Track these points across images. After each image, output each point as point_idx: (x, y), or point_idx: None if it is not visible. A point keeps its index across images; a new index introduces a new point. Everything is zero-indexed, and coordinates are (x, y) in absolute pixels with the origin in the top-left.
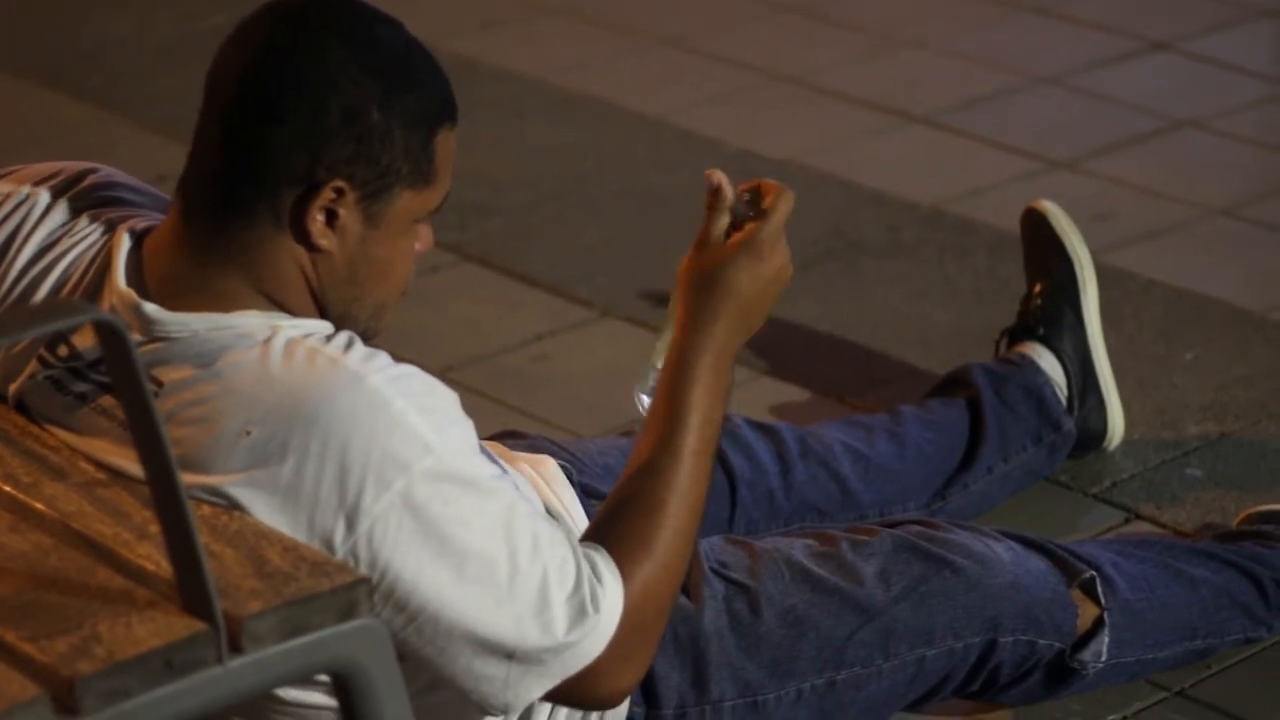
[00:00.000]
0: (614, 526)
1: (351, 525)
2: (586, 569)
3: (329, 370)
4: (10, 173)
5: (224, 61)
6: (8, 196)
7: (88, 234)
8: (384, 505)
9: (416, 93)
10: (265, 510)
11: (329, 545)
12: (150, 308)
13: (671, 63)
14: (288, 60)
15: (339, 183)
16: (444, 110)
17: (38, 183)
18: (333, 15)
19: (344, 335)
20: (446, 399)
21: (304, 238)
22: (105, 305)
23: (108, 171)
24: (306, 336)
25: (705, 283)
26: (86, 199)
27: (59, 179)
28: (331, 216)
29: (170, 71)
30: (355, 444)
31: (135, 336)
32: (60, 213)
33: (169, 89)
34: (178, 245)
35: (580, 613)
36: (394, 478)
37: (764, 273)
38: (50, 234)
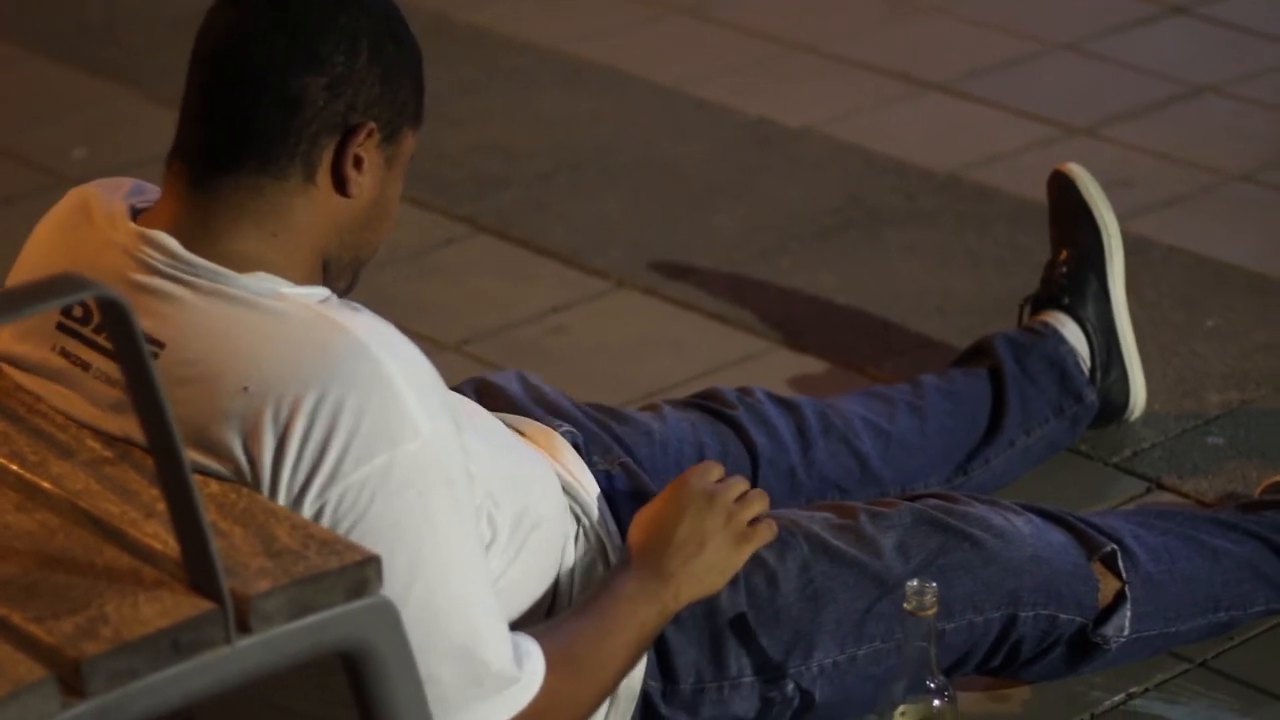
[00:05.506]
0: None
1: (325, 487)
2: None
3: (334, 335)
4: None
5: (223, 25)
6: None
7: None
8: (360, 476)
9: (408, 30)
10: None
11: (299, 501)
12: (170, 241)
13: (688, 31)
14: (311, 11)
15: (370, 125)
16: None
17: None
18: None
19: (347, 303)
20: (440, 387)
21: (341, 185)
22: (103, 249)
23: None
24: (319, 302)
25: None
26: None
27: None
28: (358, 162)
29: (183, 45)
30: (349, 408)
31: (145, 278)
32: None
33: (182, 63)
34: (186, 214)
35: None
36: (378, 452)
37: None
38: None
